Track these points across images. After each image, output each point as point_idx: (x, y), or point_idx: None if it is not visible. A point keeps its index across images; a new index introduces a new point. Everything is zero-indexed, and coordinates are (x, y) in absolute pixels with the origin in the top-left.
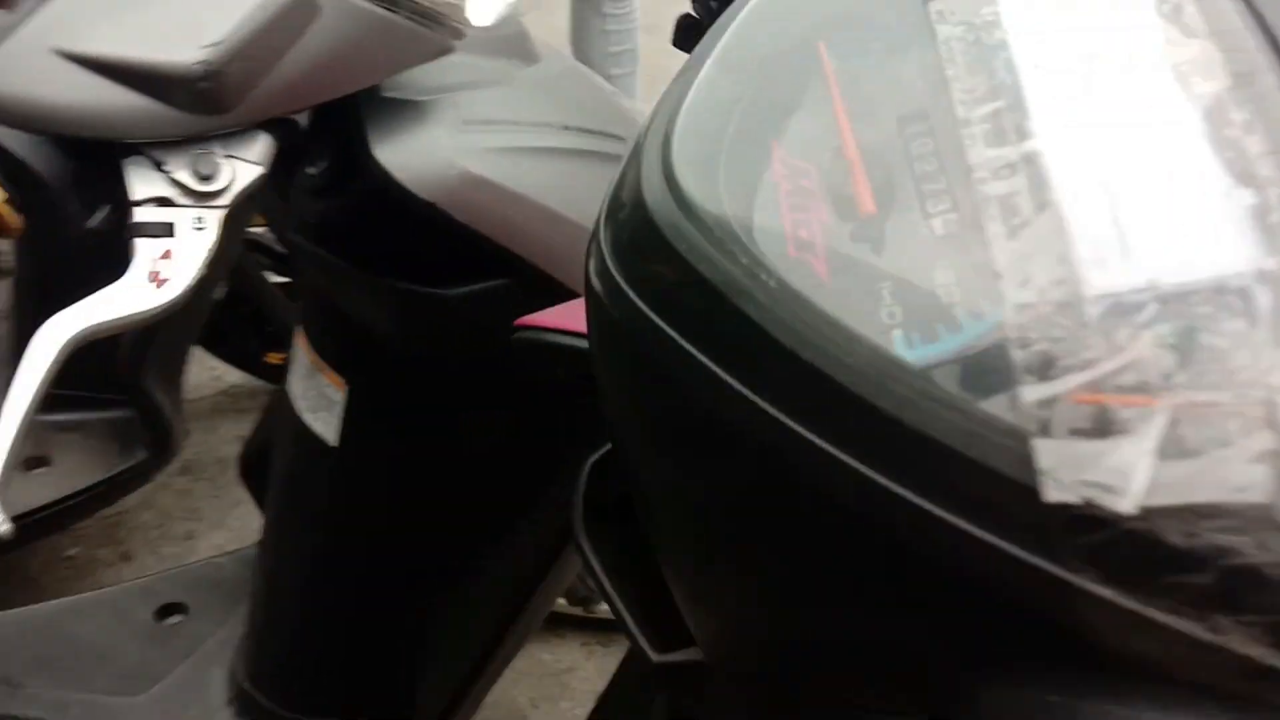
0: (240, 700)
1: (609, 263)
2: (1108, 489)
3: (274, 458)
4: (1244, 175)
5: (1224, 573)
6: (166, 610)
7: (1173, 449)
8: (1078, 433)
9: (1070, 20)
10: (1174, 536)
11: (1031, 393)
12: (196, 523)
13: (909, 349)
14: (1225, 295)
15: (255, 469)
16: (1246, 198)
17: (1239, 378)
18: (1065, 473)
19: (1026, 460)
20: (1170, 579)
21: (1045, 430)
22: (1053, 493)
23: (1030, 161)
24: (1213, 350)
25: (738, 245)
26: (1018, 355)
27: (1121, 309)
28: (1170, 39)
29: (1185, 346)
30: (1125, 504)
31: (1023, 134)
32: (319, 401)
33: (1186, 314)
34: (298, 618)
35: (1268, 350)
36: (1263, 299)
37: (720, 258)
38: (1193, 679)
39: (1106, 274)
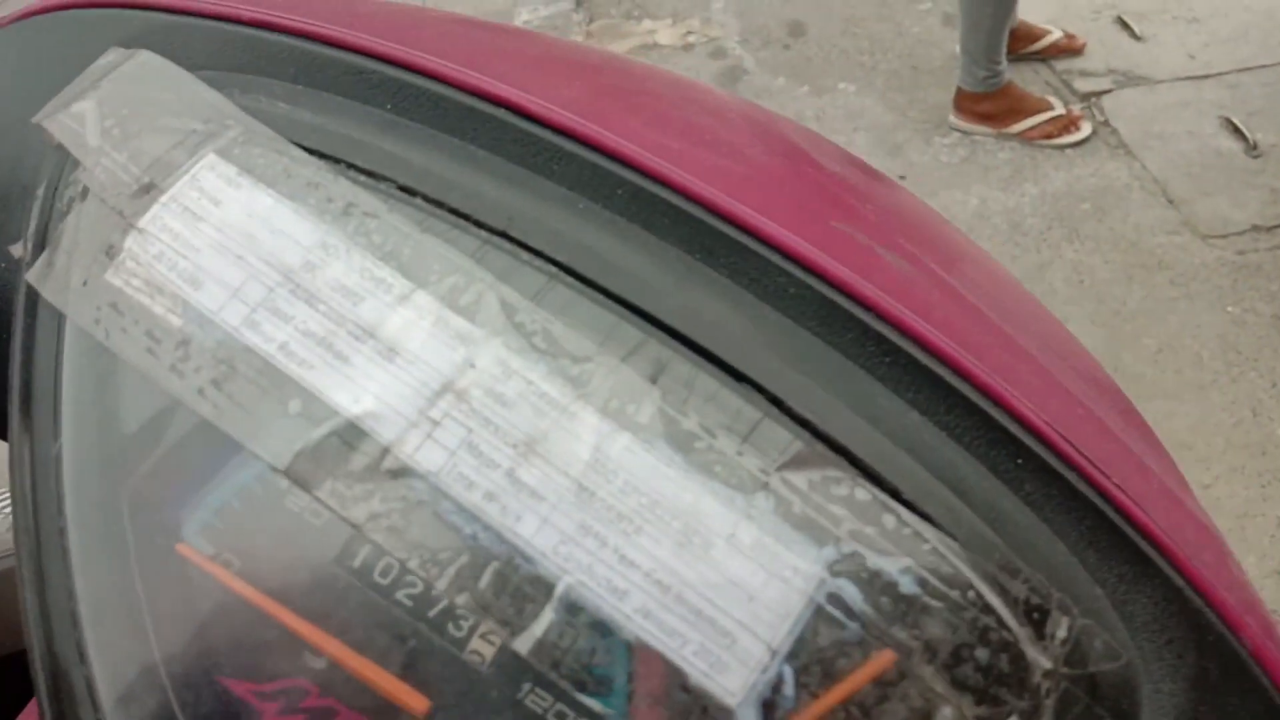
0: None
1: None
2: None
3: None
4: (740, 481)
5: None
6: None
7: None
8: None
9: (506, 415)
10: None
11: None
12: None
13: None
14: (823, 610)
15: None
16: (762, 501)
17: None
18: None
19: None
20: None
21: None
22: None
23: (573, 610)
24: (846, 666)
25: None
26: None
27: (765, 689)
28: (568, 375)
29: (828, 684)
30: None
31: (545, 585)
32: None
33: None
34: None
35: (881, 634)
36: (849, 590)
37: None
38: None
39: (732, 673)
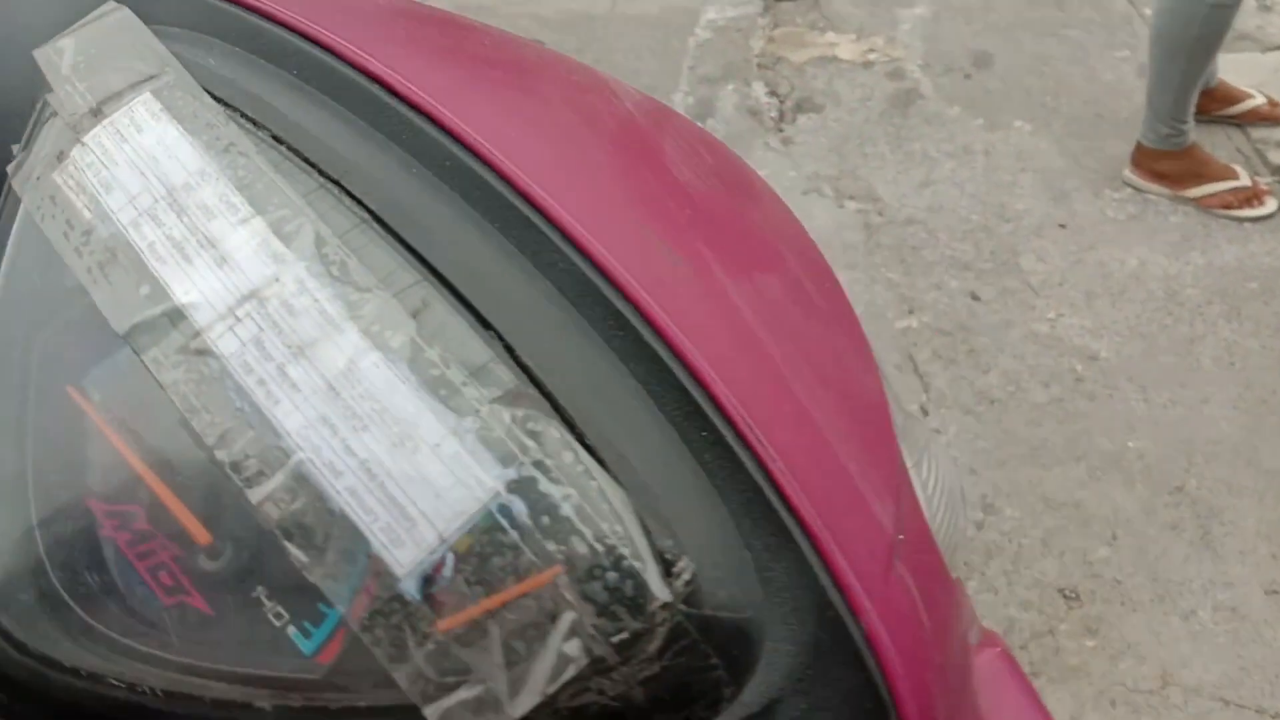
0: None
1: None
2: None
3: None
4: (461, 405)
5: None
6: None
7: (513, 656)
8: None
9: (266, 313)
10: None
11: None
12: None
13: (305, 639)
14: (494, 516)
15: None
16: (469, 425)
17: (526, 574)
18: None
19: None
20: None
21: (427, 697)
22: None
23: (299, 479)
24: (509, 564)
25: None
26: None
27: (429, 568)
28: (348, 300)
29: (481, 575)
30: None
31: (272, 459)
32: None
33: (483, 549)
34: None
35: (534, 545)
36: (518, 505)
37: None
38: None
39: (406, 550)
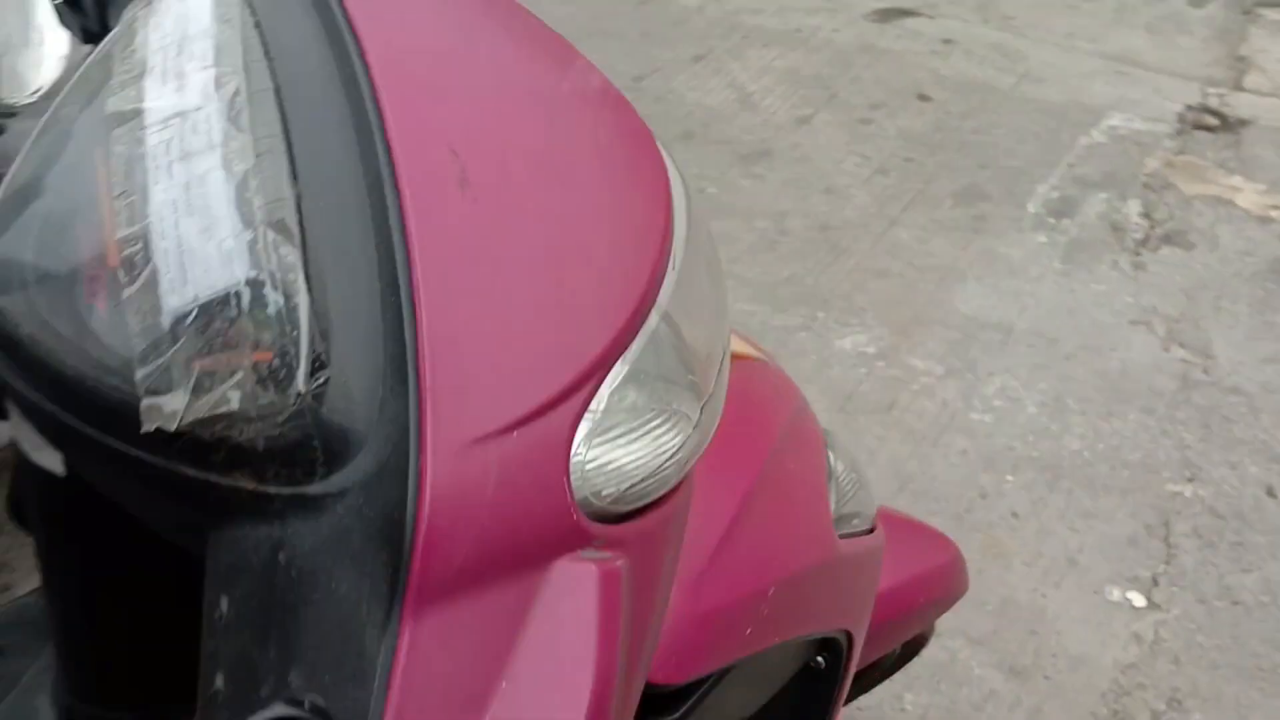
0: (66, 713)
1: None
2: (164, 421)
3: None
4: (249, 221)
5: (229, 449)
6: None
7: (199, 385)
8: (160, 389)
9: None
10: (205, 436)
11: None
12: (10, 574)
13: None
14: (231, 297)
15: (24, 510)
16: (246, 236)
17: (233, 343)
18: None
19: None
20: (210, 457)
21: (147, 391)
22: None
23: (143, 235)
24: (223, 331)
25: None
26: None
27: (180, 315)
28: (229, 134)
29: (207, 329)
30: (173, 424)
31: (139, 216)
32: (36, 439)
33: (215, 314)
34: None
35: (243, 324)
36: (246, 295)
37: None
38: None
39: (174, 297)
